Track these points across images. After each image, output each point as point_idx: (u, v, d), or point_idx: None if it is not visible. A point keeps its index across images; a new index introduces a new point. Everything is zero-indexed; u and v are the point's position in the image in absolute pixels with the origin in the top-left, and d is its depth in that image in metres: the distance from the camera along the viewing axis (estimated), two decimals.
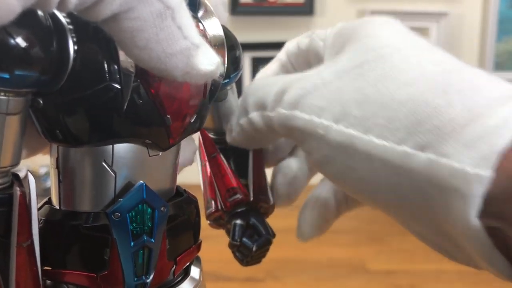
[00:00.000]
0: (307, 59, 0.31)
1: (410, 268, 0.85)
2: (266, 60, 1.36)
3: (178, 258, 0.25)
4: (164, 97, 0.22)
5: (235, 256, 0.32)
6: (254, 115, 0.27)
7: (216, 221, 0.33)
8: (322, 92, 0.24)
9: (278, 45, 1.33)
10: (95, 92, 0.21)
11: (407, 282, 0.81)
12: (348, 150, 0.22)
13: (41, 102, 0.22)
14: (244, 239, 0.31)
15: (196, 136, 0.32)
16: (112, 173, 0.23)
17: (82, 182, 0.24)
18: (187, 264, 0.27)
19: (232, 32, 0.29)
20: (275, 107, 0.26)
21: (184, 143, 0.28)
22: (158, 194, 0.24)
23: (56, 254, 0.23)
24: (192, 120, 0.24)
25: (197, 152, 0.32)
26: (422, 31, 1.46)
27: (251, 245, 0.31)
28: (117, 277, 0.23)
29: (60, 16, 0.19)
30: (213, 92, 0.26)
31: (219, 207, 0.32)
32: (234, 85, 0.31)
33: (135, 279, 0.23)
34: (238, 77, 0.30)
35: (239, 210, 0.32)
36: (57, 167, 0.24)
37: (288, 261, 0.87)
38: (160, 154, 0.24)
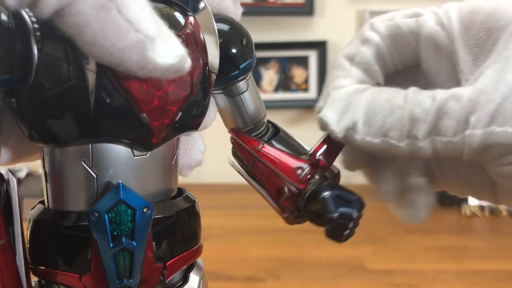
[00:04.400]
0: (409, 42, 0.28)
1: (409, 268, 0.85)
2: (266, 60, 1.37)
3: (168, 263, 0.24)
4: (138, 94, 0.21)
5: (330, 236, 0.29)
6: (427, 143, 0.25)
7: (292, 212, 0.31)
8: None
9: (278, 45, 1.34)
10: (62, 91, 0.20)
11: (406, 281, 0.81)
12: None
13: (14, 102, 0.21)
14: (341, 208, 0.28)
15: (204, 136, 0.31)
16: (93, 173, 0.23)
17: (65, 182, 0.23)
18: (182, 269, 0.26)
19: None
20: (459, 131, 0.24)
21: (189, 142, 0.28)
22: (150, 196, 0.24)
23: (45, 254, 0.24)
24: (177, 118, 0.23)
25: (233, 159, 0.31)
26: None
27: (351, 211, 0.28)
28: (100, 279, 0.22)
29: (26, 15, 0.19)
30: (207, 88, 0.25)
31: (293, 189, 0.29)
32: (252, 80, 0.30)
33: (118, 281, 0.23)
34: (250, 67, 0.29)
35: (313, 188, 0.29)
36: (44, 167, 0.24)
37: (288, 260, 0.87)
38: (148, 155, 0.24)
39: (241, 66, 0.28)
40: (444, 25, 0.26)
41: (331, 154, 0.30)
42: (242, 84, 0.29)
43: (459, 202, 1.15)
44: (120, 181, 0.22)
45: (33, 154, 0.26)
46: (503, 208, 1.13)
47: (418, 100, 0.25)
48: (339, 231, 0.29)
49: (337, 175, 0.31)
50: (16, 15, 0.19)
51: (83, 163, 0.23)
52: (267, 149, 0.30)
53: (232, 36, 0.28)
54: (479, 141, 0.23)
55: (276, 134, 0.31)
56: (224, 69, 0.27)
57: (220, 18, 0.28)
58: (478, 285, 0.80)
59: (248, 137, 0.30)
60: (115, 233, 0.22)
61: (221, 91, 0.29)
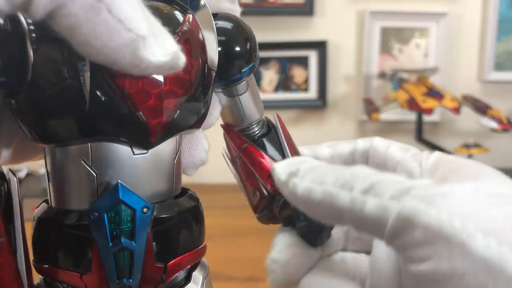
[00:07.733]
0: (380, 162, 0.31)
1: None
2: (266, 60, 1.37)
3: (169, 264, 0.24)
4: (134, 92, 0.21)
5: (308, 242, 0.30)
6: (370, 200, 0.23)
7: (267, 215, 0.31)
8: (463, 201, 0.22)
9: (278, 45, 1.34)
10: (58, 91, 0.21)
11: None
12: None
13: (14, 103, 0.22)
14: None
15: (209, 135, 0.31)
16: (92, 172, 0.23)
17: (66, 182, 0.24)
18: (185, 269, 0.26)
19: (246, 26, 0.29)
20: (396, 198, 0.22)
21: (193, 141, 0.28)
22: (151, 195, 0.24)
23: (47, 252, 0.24)
24: (175, 116, 0.23)
25: (224, 153, 0.32)
26: (422, 31, 1.46)
27: None
28: (101, 278, 0.23)
29: (22, 18, 0.19)
30: (206, 86, 0.25)
31: (265, 193, 0.30)
32: (252, 79, 0.30)
33: (117, 281, 0.23)
34: (251, 71, 0.29)
35: None
36: (46, 166, 0.24)
37: None
38: (147, 153, 0.24)
39: (243, 70, 0.28)
40: (422, 162, 0.30)
41: None
42: (241, 86, 0.29)
43: None
44: (119, 181, 0.22)
45: (36, 154, 0.26)
46: None
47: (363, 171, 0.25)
48: (312, 238, 0.30)
49: None
50: (12, 18, 0.19)
51: (82, 162, 0.23)
52: (251, 149, 0.30)
53: (236, 37, 0.28)
54: (407, 212, 0.21)
55: (267, 133, 0.31)
56: (225, 71, 0.27)
57: (226, 16, 0.28)
58: None
59: (236, 135, 0.31)
60: (114, 233, 0.22)
61: (220, 90, 0.29)
